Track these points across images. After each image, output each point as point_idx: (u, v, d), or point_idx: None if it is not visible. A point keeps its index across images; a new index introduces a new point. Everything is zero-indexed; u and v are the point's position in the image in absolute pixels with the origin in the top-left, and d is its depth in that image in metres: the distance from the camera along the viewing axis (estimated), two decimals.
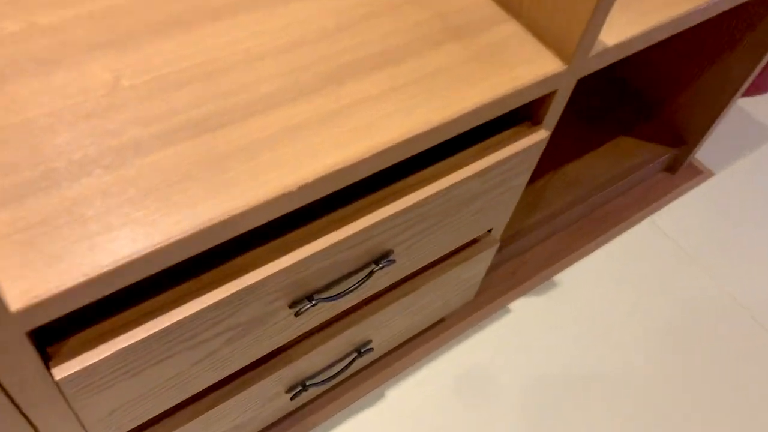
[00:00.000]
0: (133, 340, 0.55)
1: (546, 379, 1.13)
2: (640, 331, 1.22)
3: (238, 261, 0.62)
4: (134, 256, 0.50)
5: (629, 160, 1.37)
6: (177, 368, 0.63)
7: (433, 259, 0.85)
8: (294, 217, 0.66)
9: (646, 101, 1.46)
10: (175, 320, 0.57)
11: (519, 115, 0.79)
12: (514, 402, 1.10)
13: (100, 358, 0.54)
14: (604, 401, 1.12)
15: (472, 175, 0.72)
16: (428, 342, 1.12)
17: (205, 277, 0.60)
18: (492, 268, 1.23)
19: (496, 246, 0.96)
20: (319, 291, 0.70)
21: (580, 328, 1.21)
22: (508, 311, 1.20)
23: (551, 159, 1.33)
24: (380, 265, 0.73)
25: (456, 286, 1.00)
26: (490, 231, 0.97)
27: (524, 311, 1.21)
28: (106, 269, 0.49)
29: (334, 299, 0.71)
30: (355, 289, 0.72)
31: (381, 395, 1.08)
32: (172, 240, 0.51)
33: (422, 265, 0.85)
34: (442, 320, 1.15)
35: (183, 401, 0.76)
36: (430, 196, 0.70)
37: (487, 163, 0.73)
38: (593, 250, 1.31)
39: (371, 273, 0.73)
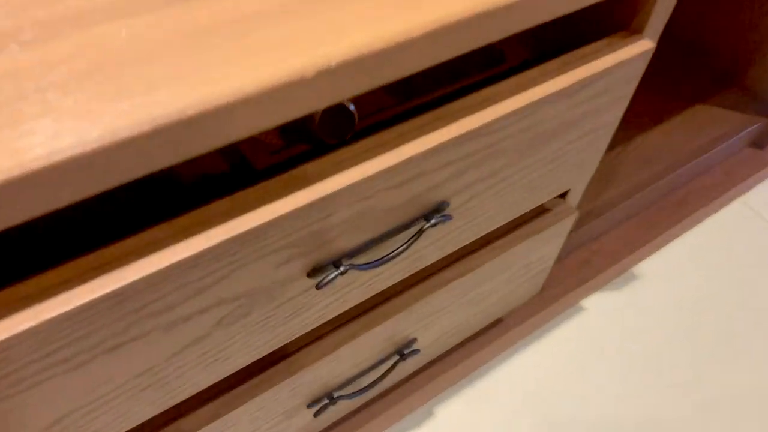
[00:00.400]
0: (69, 307, 0.36)
1: (633, 394, 0.91)
2: (741, 330, 0.99)
3: (229, 200, 0.42)
4: (54, 158, 0.31)
5: (710, 131, 1.16)
6: (147, 360, 0.44)
7: (495, 226, 0.65)
8: (310, 141, 0.48)
9: (722, 67, 1.25)
10: (134, 279, 0.38)
11: (613, 22, 0.60)
12: (593, 420, 0.88)
13: (17, 332, 0.35)
14: (714, 421, 0.89)
15: (557, 92, 0.52)
16: (485, 347, 0.91)
17: (181, 220, 0.41)
18: (559, 259, 1.02)
19: (574, 216, 0.76)
20: (348, 255, 0.51)
21: (669, 328, 0.98)
22: (581, 309, 0.99)
23: (621, 130, 1.12)
24: (432, 221, 0.53)
25: (521, 271, 0.79)
26: (564, 197, 0.76)
27: (600, 309, 0.99)
28: (6, 176, 0.30)
29: (369, 267, 0.51)
30: (399, 253, 0.53)
31: (429, 413, 0.87)
32: (118, 137, 0.32)
33: (482, 234, 0.64)
34: (500, 321, 0.94)
35: (163, 413, 0.56)
36: (502, 117, 0.50)
37: (576, 78, 0.53)
38: (677, 236, 1.09)
39: (420, 231, 0.53)
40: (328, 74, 0.38)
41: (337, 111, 0.56)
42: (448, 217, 0.54)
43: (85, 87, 0.34)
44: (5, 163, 0.30)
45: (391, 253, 0.52)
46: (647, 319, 0.99)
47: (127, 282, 0.37)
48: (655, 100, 1.18)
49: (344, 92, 0.40)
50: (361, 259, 0.52)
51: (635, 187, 1.05)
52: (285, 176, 0.44)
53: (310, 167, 0.45)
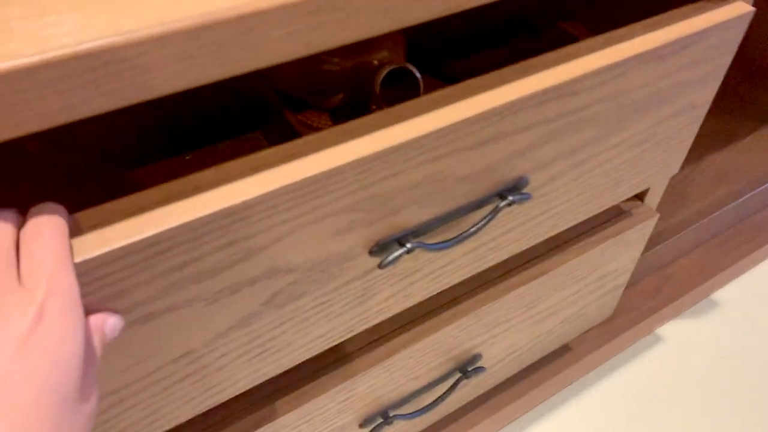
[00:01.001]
0: (94, 254, 0.30)
1: None
2: None
3: (283, 147, 0.37)
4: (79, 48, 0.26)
5: None
6: (186, 340, 0.37)
7: (573, 222, 0.58)
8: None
9: None
10: (175, 224, 0.32)
11: None
12: None
13: None
14: None
15: (647, 51, 0.46)
16: (553, 376, 0.82)
17: (232, 165, 0.35)
18: (629, 284, 0.93)
19: (654, 219, 0.68)
20: (414, 232, 0.44)
21: (755, 361, 0.87)
22: (657, 339, 0.89)
23: (691, 149, 1.05)
24: (509, 199, 0.47)
25: (593, 285, 0.71)
26: (642, 200, 0.69)
27: (679, 338, 0.90)
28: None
29: (438, 247, 0.45)
30: (472, 233, 0.46)
31: None
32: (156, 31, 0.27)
33: (558, 229, 0.57)
34: (568, 349, 0.85)
35: (195, 423, 0.49)
36: (588, 73, 0.44)
37: (668, 37, 0.47)
38: (759, 262, 0.99)
39: (496, 210, 0.46)
40: None
41: (399, 75, 0.51)
42: (527, 196, 0.48)
43: None
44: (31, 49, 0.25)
45: (462, 234, 0.46)
46: (734, 347, 0.89)
47: (168, 227, 0.32)
48: (726, 119, 1.11)
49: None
50: (429, 239, 0.45)
51: (708, 207, 0.97)
52: (346, 125, 0.38)
53: (373, 116, 0.39)
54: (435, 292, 0.52)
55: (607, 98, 0.47)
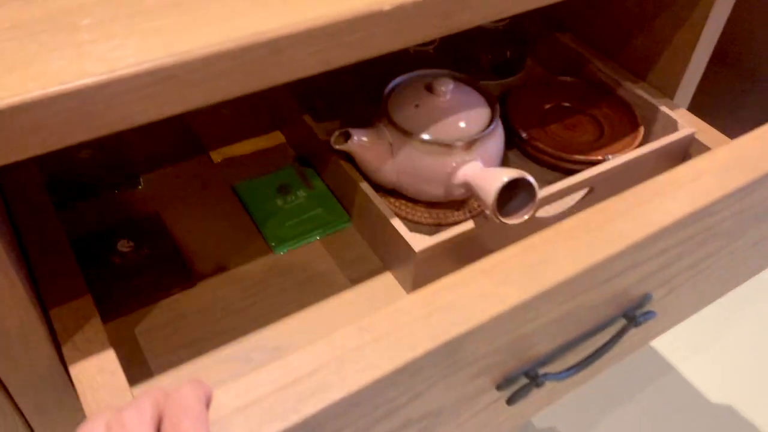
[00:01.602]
0: None
1: None
2: None
3: (412, 299, 0.34)
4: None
5: None
6: None
7: (680, 321, 0.55)
8: None
9: None
10: (329, 403, 0.29)
11: None
12: None
13: None
14: None
15: None
16: None
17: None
18: None
19: None
20: (541, 362, 0.41)
21: None
22: None
23: None
24: (636, 320, 0.44)
25: None
26: None
27: None
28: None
29: (567, 375, 0.42)
30: (598, 356, 0.43)
31: None
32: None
33: (666, 330, 0.54)
34: None
35: None
36: (727, 195, 0.41)
37: None
38: None
39: (623, 331, 0.44)
40: None
41: (514, 185, 0.48)
42: (652, 314, 0.45)
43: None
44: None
45: (589, 358, 0.43)
46: None
47: (320, 408, 0.29)
48: None
49: None
50: (555, 367, 0.43)
51: None
52: (490, 273, 0.36)
53: (513, 255, 0.37)
54: (549, 405, 0.49)
55: (737, 213, 0.45)
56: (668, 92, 0.63)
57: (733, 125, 0.65)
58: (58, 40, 0.30)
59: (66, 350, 0.38)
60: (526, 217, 0.46)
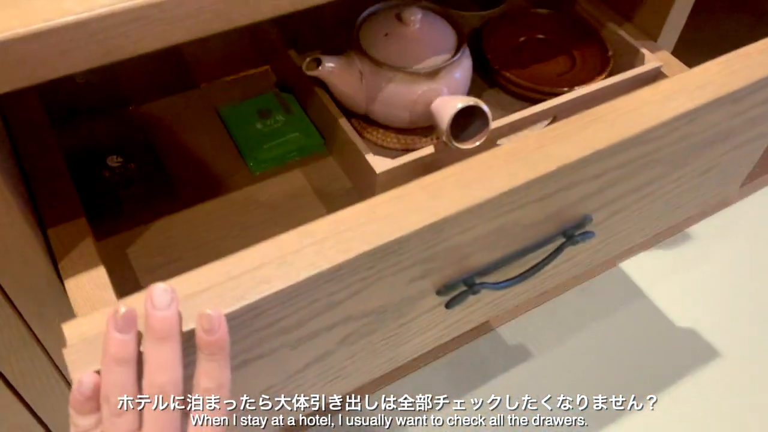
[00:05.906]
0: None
1: None
2: None
3: (366, 210, 0.38)
4: None
5: None
6: (269, 378, 0.41)
7: (628, 246, 0.59)
8: None
9: None
10: (267, 293, 0.34)
11: None
12: None
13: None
14: None
15: (723, 96, 0.46)
16: None
17: (316, 229, 0.37)
18: None
19: None
20: (480, 272, 0.46)
21: None
22: None
23: None
24: (573, 239, 0.48)
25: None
26: None
27: None
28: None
29: (503, 286, 0.46)
30: (534, 272, 0.47)
31: None
32: None
33: (613, 254, 0.58)
34: None
35: None
36: (665, 122, 0.44)
37: (749, 79, 0.47)
38: None
39: (560, 248, 0.48)
40: None
41: (468, 113, 0.51)
42: (591, 234, 0.49)
43: None
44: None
45: (526, 272, 0.48)
46: None
47: (262, 296, 0.34)
48: None
49: None
50: (493, 277, 0.47)
51: None
52: (427, 188, 0.40)
53: (451, 174, 0.40)
54: (494, 315, 0.54)
55: (678, 141, 0.47)
56: (653, 34, 0.64)
57: None
58: None
59: (62, 266, 0.43)
60: (478, 143, 0.50)
